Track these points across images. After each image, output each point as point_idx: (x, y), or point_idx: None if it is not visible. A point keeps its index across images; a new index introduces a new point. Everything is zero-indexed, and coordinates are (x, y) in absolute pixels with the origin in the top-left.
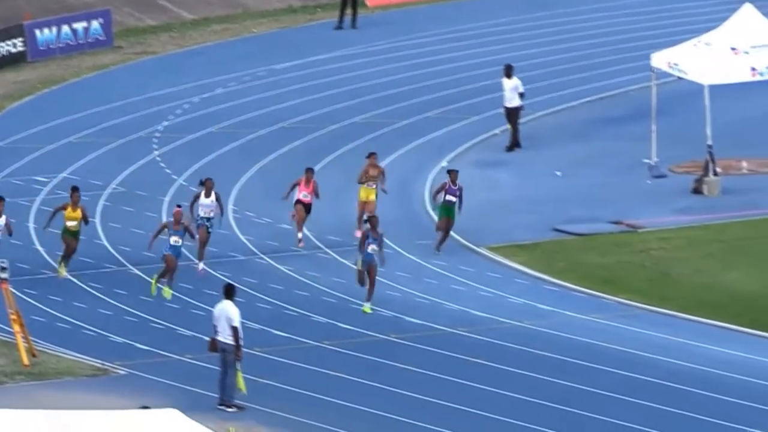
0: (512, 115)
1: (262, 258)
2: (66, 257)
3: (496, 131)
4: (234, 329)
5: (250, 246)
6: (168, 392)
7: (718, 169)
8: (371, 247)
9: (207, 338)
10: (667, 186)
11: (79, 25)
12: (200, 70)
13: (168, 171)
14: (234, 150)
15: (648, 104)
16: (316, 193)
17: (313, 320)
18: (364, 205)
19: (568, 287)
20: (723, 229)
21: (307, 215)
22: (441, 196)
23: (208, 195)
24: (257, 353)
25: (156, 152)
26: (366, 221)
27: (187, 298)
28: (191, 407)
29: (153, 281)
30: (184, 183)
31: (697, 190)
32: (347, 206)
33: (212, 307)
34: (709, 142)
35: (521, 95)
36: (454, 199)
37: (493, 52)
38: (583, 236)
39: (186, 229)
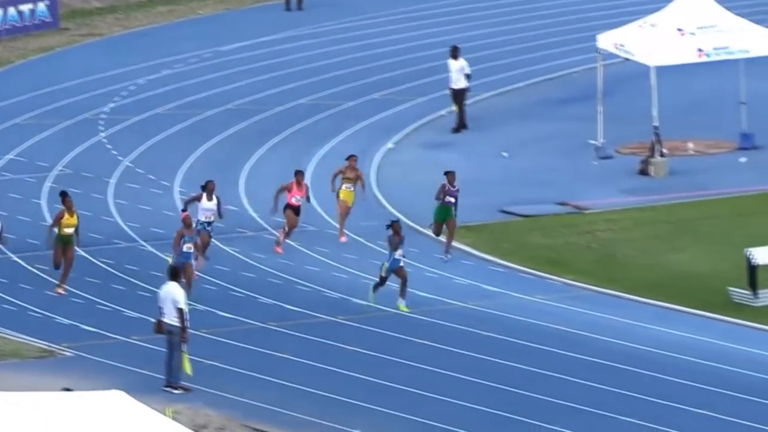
0: (458, 96)
1: None
2: (56, 268)
3: (443, 112)
4: (180, 311)
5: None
6: (114, 374)
7: (665, 150)
8: (398, 252)
9: (153, 320)
10: (614, 167)
11: (25, 7)
12: (146, 52)
13: (114, 152)
14: (180, 131)
15: (594, 85)
16: (307, 197)
17: (259, 301)
18: (345, 205)
19: (514, 268)
20: (669, 210)
21: (294, 214)
22: (443, 198)
23: (210, 198)
24: (204, 335)
25: (102, 134)
26: (388, 226)
27: (133, 280)
28: (137, 389)
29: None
30: (130, 164)
31: (643, 171)
32: None
33: (158, 288)
34: (656, 124)
35: (467, 76)
36: (453, 199)
37: (440, 33)
38: (530, 217)
39: (199, 234)
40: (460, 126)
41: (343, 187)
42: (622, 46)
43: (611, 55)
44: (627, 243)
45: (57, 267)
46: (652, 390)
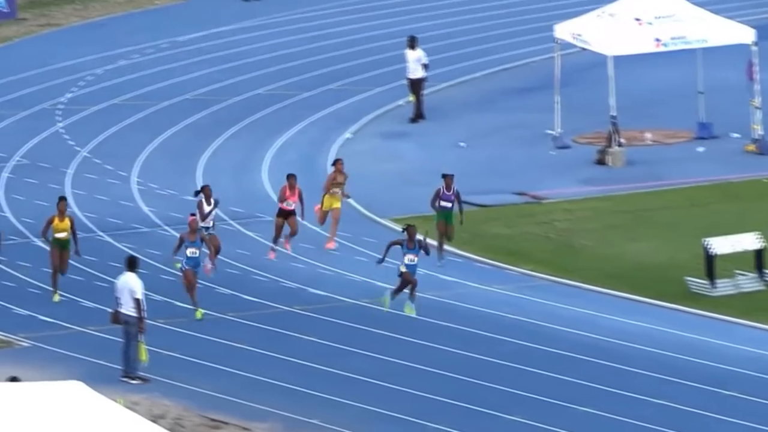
0: (416, 86)
1: (165, 230)
2: (54, 278)
3: (400, 103)
4: (137, 301)
5: (154, 218)
6: (71, 364)
7: (622, 140)
8: (408, 258)
9: (110, 310)
10: (571, 157)
11: None
12: (104, 42)
13: (72, 143)
14: (138, 122)
15: (551, 75)
16: (300, 200)
17: (216, 292)
18: (326, 214)
19: (471, 258)
20: (627, 200)
21: (284, 222)
22: (437, 203)
23: (209, 203)
24: (161, 325)
25: (60, 124)
26: (403, 230)
27: (90, 270)
28: (95, 379)
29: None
30: (87, 155)
31: (600, 161)
32: (250, 177)
33: (115, 279)
34: (613, 113)
35: (425, 66)
36: (449, 204)
37: (397, 24)
38: (487, 207)
39: (203, 240)
40: (418, 116)
41: (330, 191)
42: (579, 35)
43: (569, 45)
44: (585, 233)
45: (56, 270)
46: (610, 380)
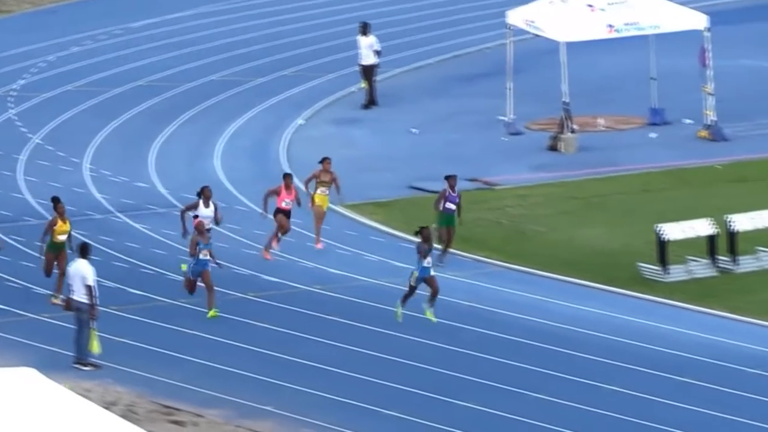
0: (368, 72)
1: (118, 216)
2: (48, 276)
3: (353, 89)
4: (89, 288)
5: (107, 205)
6: (24, 351)
7: (575, 126)
8: (427, 261)
9: (62, 297)
10: (524, 143)
11: None
12: (56, 29)
13: (24, 130)
14: (90, 108)
15: (504, 62)
16: (297, 201)
17: (169, 278)
18: (320, 210)
19: None
20: (579, 186)
21: (286, 219)
22: (441, 205)
23: (207, 205)
24: (113, 312)
25: (12, 111)
26: (417, 233)
27: (43, 257)
28: (47, 366)
29: (212, 313)
30: (40, 142)
31: (553, 147)
32: (203, 163)
33: (67, 266)
34: (566, 100)
35: (377, 53)
36: (453, 207)
37: (350, 10)
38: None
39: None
40: (370, 102)
41: (318, 191)
42: (532, 22)
43: (521, 31)
44: (537, 219)
45: (48, 275)
46: (563, 366)
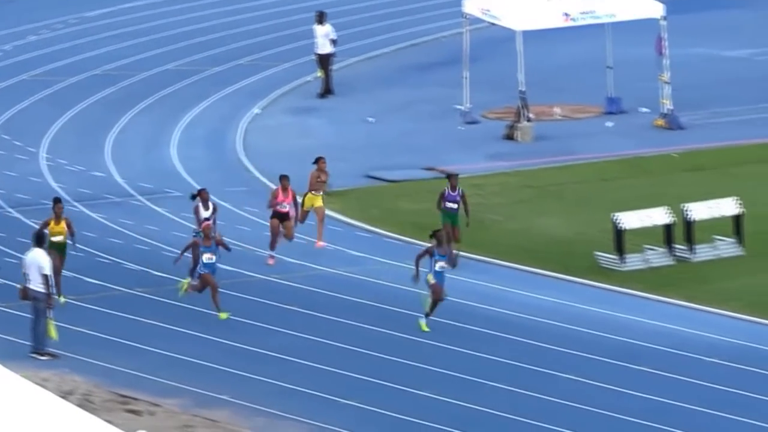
0: (324, 61)
1: (74, 206)
2: (56, 277)
3: (308, 78)
4: (45, 277)
5: (63, 194)
6: None
7: (531, 115)
8: (439, 265)
9: (18, 286)
10: (480, 132)
11: None
12: (12, 18)
13: None
14: (47, 98)
15: (460, 50)
16: (294, 203)
17: (126, 268)
18: (306, 213)
19: (381, 234)
20: (536, 175)
21: (280, 224)
22: (442, 204)
23: (207, 207)
24: (70, 301)
25: None
26: (431, 236)
27: None
28: (4, 356)
29: (222, 315)
30: None
31: (509, 136)
32: (159, 153)
33: (23, 255)
34: (522, 88)
35: (333, 42)
36: (455, 206)
37: None
38: (396, 183)
39: (219, 243)
40: (326, 91)
41: (312, 192)
42: (488, 11)
43: (477, 20)
44: (494, 208)
45: (57, 272)
46: (520, 355)
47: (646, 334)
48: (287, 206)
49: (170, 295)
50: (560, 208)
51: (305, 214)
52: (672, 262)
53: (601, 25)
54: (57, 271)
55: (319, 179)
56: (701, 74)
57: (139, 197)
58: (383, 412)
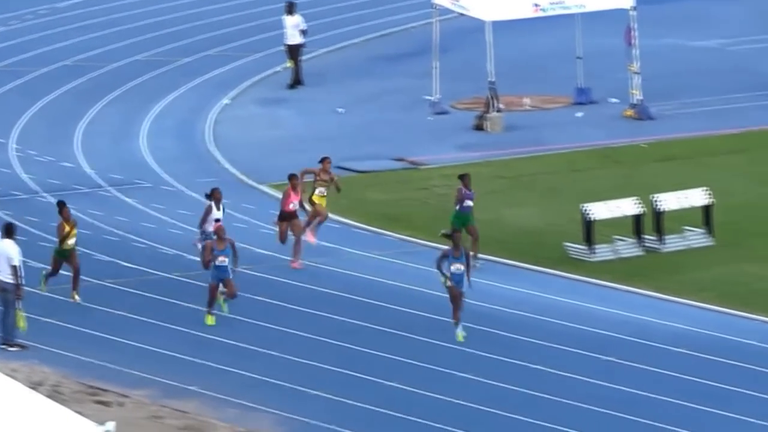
0: (294, 52)
1: (43, 197)
2: (52, 275)
3: (278, 69)
4: (14, 268)
5: (32, 185)
6: None
7: (501, 106)
8: (455, 266)
9: None
10: (450, 123)
11: None
12: None
13: None
14: (16, 88)
15: (430, 41)
16: (300, 203)
17: (95, 259)
18: (316, 212)
19: (350, 224)
20: (506, 166)
21: (288, 226)
22: (460, 205)
23: (218, 207)
24: (39, 292)
25: None
26: (446, 236)
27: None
28: None
29: (223, 306)
30: None
31: (479, 127)
32: (129, 144)
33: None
34: (492, 79)
35: (303, 32)
36: (472, 203)
37: None
38: (366, 173)
39: (233, 246)
40: (296, 82)
41: (317, 191)
42: (457, 1)
43: (447, 11)
44: None
45: (56, 271)
46: (490, 345)
47: (615, 325)
48: (296, 204)
49: (139, 285)
50: (530, 198)
51: (315, 212)
52: (641, 253)
53: (571, 16)
54: (76, 270)
55: (319, 178)
56: (671, 64)
57: (109, 188)
58: (352, 402)
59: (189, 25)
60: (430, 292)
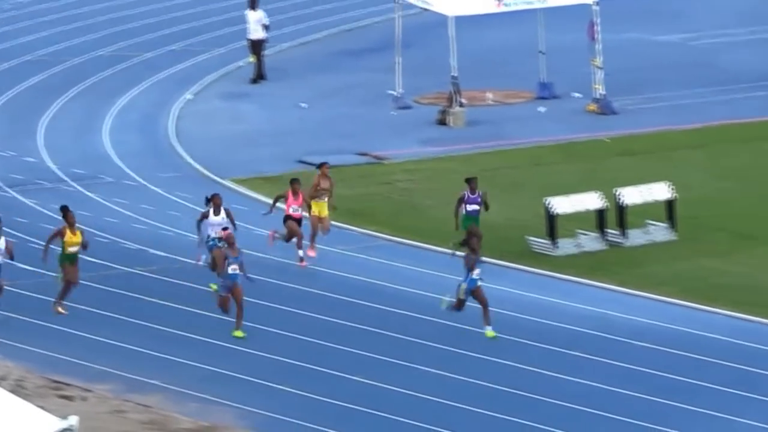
0: (256, 47)
1: (6, 191)
2: (64, 293)
3: (241, 63)
4: None
5: None
6: None
7: (463, 101)
8: (476, 272)
9: None
10: (413, 117)
11: None
12: None
13: None
14: None
15: (393, 36)
16: (306, 205)
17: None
18: (318, 220)
19: None
20: (468, 160)
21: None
22: (463, 209)
23: (217, 212)
24: (3, 287)
25: None
26: (463, 243)
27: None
28: None
29: (237, 333)
30: None
31: (442, 122)
32: (91, 138)
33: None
34: (454, 74)
35: (265, 27)
36: (477, 207)
37: None
38: (329, 168)
39: (211, 250)
40: (259, 77)
41: (317, 199)
42: None
43: (410, 6)
44: (426, 193)
45: (69, 282)
46: (454, 340)
47: (578, 319)
48: (299, 210)
49: (102, 280)
50: (493, 193)
51: (316, 219)
52: (604, 247)
53: (534, 11)
54: (74, 281)
55: (319, 186)
56: (633, 59)
57: (72, 183)
58: (318, 397)
59: (152, 20)
60: (393, 286)
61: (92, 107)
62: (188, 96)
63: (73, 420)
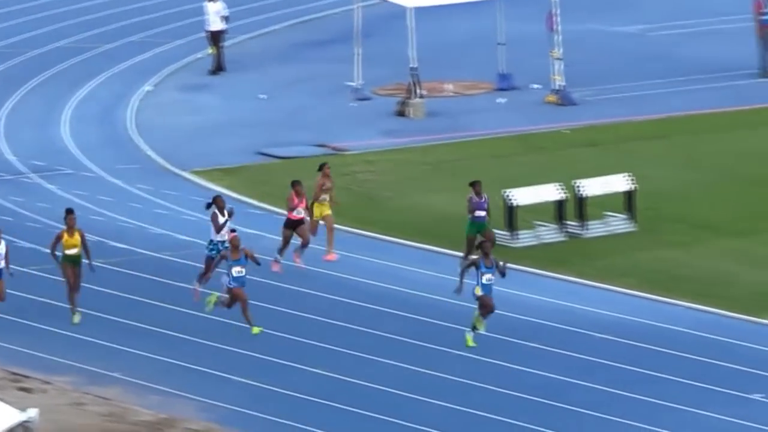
0: (216, 38)
1: None
2: (71, 296)
3: (200, 55)
4: None
5: None
6: None
7: (423, 92)
8: (486, 277)
9: None
10: (372, 109)
11: None
12: None
13: None
14: None
15: (352, 27)
16: (307, 207)
17: (16, 246)
18: (317, 224)
19: (273, 211)
20: (428, 152)
21: (293, 233)
22: (471, 215)
23: (223, 213)
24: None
25: None
26: (478, 247)
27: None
28: None
29: (254, 330)
30: None
31: (401, 113)
32: (50, 130)
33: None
34: (414, 65)
35: (225, 18)
36: (483, 213)
37: None
38: (288, 159)
39: (248, 256)
40: (218, 68)
41: (320, 198)
42: None
43: None
44: (386, 185)
45: (71, 287)
46: (413, 332)
47: (537, 311)
48: (302, 212)
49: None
50: (452, 184)
51: (316, 224)
52: (564, 239)
53: (493, 2)
54: (73, 287)
55: (323, 186)
56: (593, 50)
57: (31, 174)
58: (273, 388)
59: (111, 11)
60: (352, 278)
61: (51, 99)
62: (147, 88)
63: (32, 412)
